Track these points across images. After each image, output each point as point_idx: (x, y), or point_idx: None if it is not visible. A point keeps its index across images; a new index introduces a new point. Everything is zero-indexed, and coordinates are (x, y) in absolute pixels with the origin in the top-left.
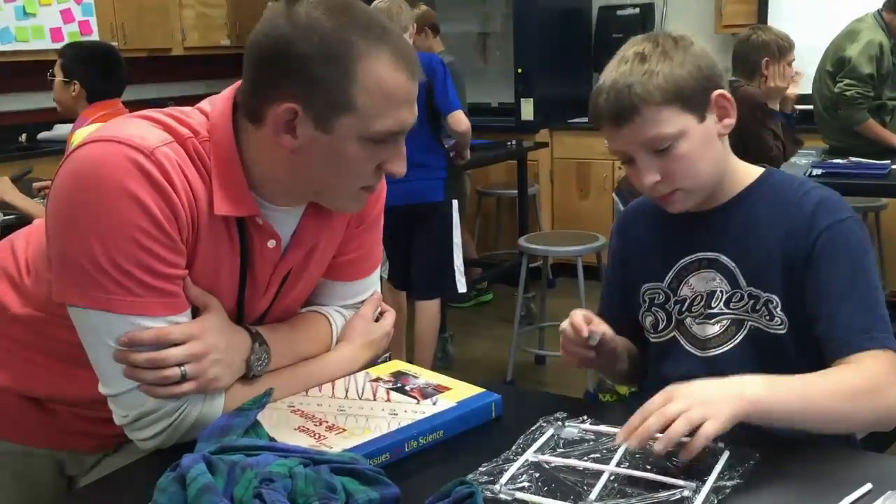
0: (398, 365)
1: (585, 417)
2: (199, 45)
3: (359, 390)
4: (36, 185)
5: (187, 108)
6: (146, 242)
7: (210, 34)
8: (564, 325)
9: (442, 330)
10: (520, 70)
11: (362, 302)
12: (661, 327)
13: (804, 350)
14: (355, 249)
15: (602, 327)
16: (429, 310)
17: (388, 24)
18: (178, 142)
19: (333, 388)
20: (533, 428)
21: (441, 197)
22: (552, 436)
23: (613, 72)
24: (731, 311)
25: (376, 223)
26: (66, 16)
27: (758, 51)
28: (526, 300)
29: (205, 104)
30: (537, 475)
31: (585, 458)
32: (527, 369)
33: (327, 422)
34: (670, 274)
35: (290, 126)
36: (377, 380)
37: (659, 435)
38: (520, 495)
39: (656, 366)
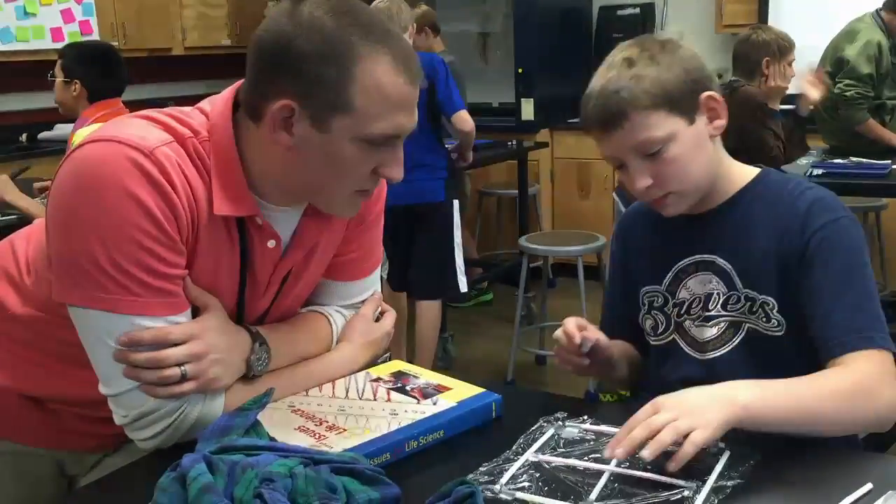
0: (398, 365)
1: (586, 417)
2: (200, 45)
3: (359, 390)
4: (36, 185)
5: (187, 108)
6: (146, 242)
7: (210, 34)
8: (558, 333)
9: (442, 330)
10: (520, 70)
11: (363, 302)
12: (660, 330)
13: (803, 352)
14: (355, 249)
15: (595, 334)
16: (430, 310)
17: (392, 27)
18: (178, 142)
19: (334, 387)
20: (533, 428)
21: (442, 197)
22: (552, 436)
23: (601, 78)
24: (728, 314)
25: (376, 223)
26: (67, 16)
27: (758, 50)
28: (526, 300)
29: (205, 104)
30: (538, 475)
31: (586, 458)
32: (527, 369)
33: (327, 422)
34: (668, 277)
35: (287, 123)
36: (377, 380)
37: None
38: (520, 495)
39: (657, 369)
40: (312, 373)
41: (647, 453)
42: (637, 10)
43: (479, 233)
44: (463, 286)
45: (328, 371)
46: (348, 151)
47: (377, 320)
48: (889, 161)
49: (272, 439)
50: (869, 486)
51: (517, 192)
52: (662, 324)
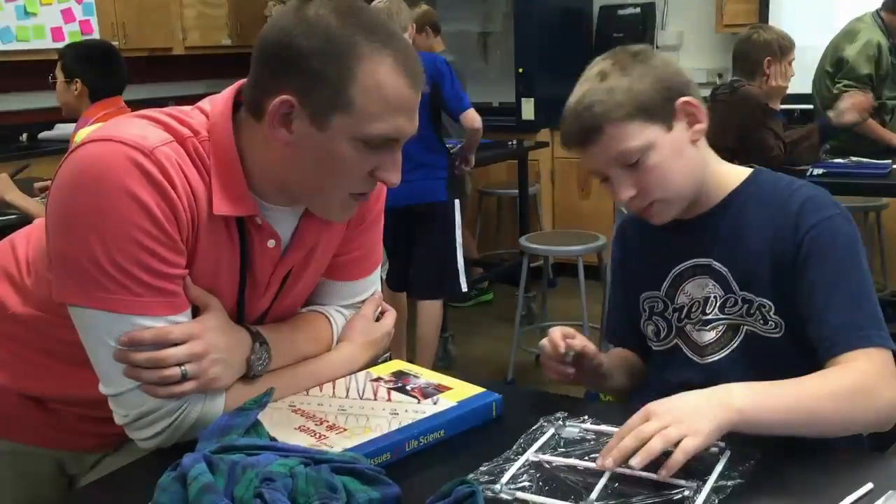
0: (399, 364)
1: (586, 417)
2: (200, 45)
3: (359, 390)
4: (37, 185)
5: (187, 108)
6: (146, 242)
7: (211, 34)
8: (543, 342)
9: (443, 330)
10: (520, 70)
11: (363, 301)
12: (662, 335)
13: (802, 353)
14: (356, 249)
15: (580, 343)
16: (430, 310)
17: (397, 30)
18: (178, 141)
19: (334, 387)
20: (534, 427)
21: (443, 197)
22: (553, 435)
23: (576, 94)
24: (726, 317)
25: (377, 222)
26: (67, 15)
27: (759, 50)
28: (527, 300)
29: (205, 103)
30: (538, 475)
31: (586, 458)
32: (527, 369)
33: (328, 421)
34: (666, 282)
35: (287, 120)
36: (378, 379)
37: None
38: (520, 495)
39: (658, 373)
40: (313, 372)
41: (636, 462)
42: (637, 10)
43: (480, 232)
44: (464, 286)
45: (328, 371)
46: (346, 151)
47: (377, 320)
48: (889, 161)
49: (272, 439)
50: (869, 485)
51: (517, 191)
52: (664, 329)
